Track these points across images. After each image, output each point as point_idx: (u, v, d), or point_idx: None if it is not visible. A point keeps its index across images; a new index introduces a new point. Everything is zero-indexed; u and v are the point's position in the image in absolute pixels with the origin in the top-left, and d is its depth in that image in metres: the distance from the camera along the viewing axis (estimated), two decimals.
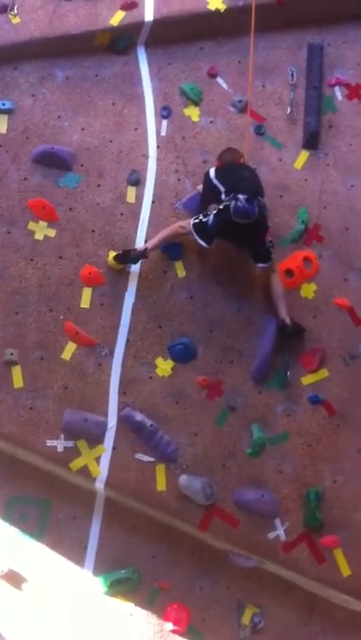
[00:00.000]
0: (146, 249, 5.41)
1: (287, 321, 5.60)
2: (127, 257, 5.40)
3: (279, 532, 5.39)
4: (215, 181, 5.43)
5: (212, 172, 5.49)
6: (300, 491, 5.49)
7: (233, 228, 5.28)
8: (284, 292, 5.67)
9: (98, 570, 5.17)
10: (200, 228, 5.36)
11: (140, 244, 5.61)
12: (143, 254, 5.40)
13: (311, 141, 6.21)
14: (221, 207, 5.27)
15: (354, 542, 5.49)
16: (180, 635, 5.18)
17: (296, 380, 5.67)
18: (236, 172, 5.47)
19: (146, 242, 5.55)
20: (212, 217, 5.30)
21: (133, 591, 5.19)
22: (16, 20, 5.77)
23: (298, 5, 6.33)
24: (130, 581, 5.18)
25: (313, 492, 5.45)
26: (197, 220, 5.38)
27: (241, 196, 5.18)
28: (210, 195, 5.52)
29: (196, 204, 5.73)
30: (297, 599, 5.48)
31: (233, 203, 5.19)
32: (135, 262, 5.44)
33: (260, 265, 5.54)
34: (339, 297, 5.91)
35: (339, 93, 6.41)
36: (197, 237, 5.38)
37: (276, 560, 5.37)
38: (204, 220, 5.35)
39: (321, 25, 6.50)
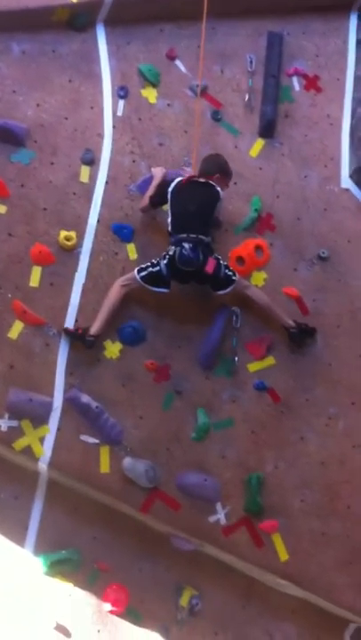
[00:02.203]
0: (97, 334, 5.31)
1: (291, 324, 5.72)
2: (80, 340, 5.29)
3: (220, 515, 5.45)
4: (169, 196, 5.40)
5: (172, 185, 5.41)
6: (242, 476, 5.55)
7: (184, 272, 5.29)
8: (269, 300, 5.70)
9: (38, 550, 5.13)
10: (153, 278, 5.32)
11: (92, 224, 5.57)
12: (97, 339, 5.32)
13: (267, 130, 6.23)
14: (171, 253, 5.25)
15: (292, 528, 5.59)
16: (119, 615, 5.20)
17: (243, 366, 5.72)
18: (187, 202, 5.35)
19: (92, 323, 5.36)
20: (163, 265, 5.27)
21: (73, 572, 5.17)
22: None
23: None
24: (70, 562, 5.16)
25: (254, 478, 5.52)
26: (146, 272, 5.32)
27: (186, 245, 5.20)
28: (161, 199, 5.48)
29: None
30: (235, 582, 5.55)
31: (178, 250, 5.20)
32: (90, 347, 5.31)
33: (221, 292, 5.49)
34: (288, 286, 5.97)
35: (296, 84, 6.45)
36: (153, 288, 5.35)
37: (216, 543, 5.43)
38: (154, 270, 5.31)
39: (282, 14, 6.52)
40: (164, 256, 5.31)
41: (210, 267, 5.28)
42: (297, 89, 6.45)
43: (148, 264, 5.36)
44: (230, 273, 5.46)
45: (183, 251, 5.20)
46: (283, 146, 6.28)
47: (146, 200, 5.57)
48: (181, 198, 5.39)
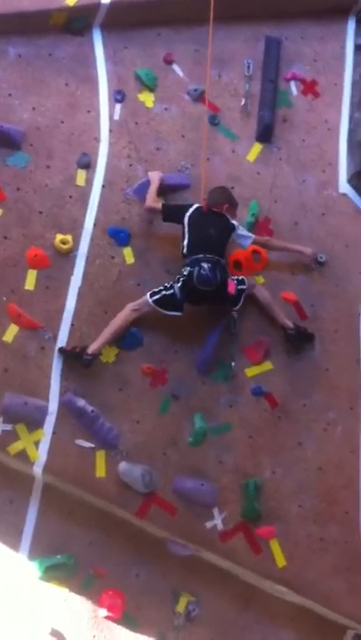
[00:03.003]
0: (95, 353, 5.26)
1: (290, 325, 5.71)
2: (78, 359, 5.23)
3: (217, 521, 5.40)
4: (186, 221, 5.44)
5: (190, 210, 5.46)
6: (240, 481, 5.51)
7: (201, 294, 5.30)
8: (272, 299, 5.72)
9: (33, 554, 5.08)
10: (166, 301, 5.31)
11: (88, 228, 5.55)
12: (95, 358, 5.28)
13: (265, 134, 6.23)
14: (186, 274, 5.26)
15: (290, 534, 5.55)
16: (115, 621, 5.15)
17: (240, 371, 5.69)
18: (204, 228, 5.42)
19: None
20: (178, 289, 5.29)
21: (69, 577, 5.12)
22: None
23: None
24: (65, 567, 5.11)
25: (252, 483, 5.48)
26: (159, 296, 5.32)
27: (205, 265, 5.22)
28: (175, 218, 5.52)
29: (147, 190, 5.67)
30: (233, 589, 5.50)
31: (196, 270, 5.21)
32: (87, 367, 5.25)
33: (236, 308, 5.52)
34: (285, 291, 5.95)
35: (294, 88, 6.46)
36: (165, 311, 5.34)
37: (213, 549, 5.38)
38: (168, 293, 5.31)
39: (280, 19, 6.53)
40: (178, 279, 5.32)
41: (231, 288, 5.35)
42: (295, 94, 6.46)
43: (162, 287, 5.36)
44: (241, 287, 5.50)
45: (202, 271, 5.22)
46: (280, 150, 6.28)
47: (158, 205, 5.54)
48: (202, 223, 5.44)
